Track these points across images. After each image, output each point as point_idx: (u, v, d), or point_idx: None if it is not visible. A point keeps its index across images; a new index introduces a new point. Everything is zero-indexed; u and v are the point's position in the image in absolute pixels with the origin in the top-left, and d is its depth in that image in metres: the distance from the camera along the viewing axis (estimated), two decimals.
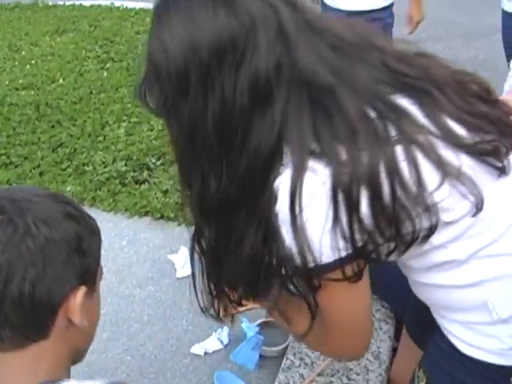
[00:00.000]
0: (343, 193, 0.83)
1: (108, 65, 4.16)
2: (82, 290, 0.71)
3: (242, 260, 0.96)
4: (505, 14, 2.64)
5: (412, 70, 0.95)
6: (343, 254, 0.87)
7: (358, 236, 0.86)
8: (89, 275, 0.75)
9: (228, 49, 0.84)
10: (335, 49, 0.90)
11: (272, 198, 0.88)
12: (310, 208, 0.84)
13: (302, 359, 1.67)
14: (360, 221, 0.85)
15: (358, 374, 1.62)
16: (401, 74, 0.94)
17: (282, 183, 0.86)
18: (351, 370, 1.64)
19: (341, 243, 0.86)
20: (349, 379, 1.61)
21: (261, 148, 0.86)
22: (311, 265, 0.88)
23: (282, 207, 0.86)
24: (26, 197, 0.71)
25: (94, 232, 0.77)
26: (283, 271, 0.93)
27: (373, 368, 1.63)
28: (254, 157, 0.87)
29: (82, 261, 0.72)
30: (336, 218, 0.84)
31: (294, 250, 0.87)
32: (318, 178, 0.84)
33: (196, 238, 1.02)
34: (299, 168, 0.84)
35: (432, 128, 0.91)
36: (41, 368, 0.69)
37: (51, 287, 0.68)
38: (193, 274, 1.08)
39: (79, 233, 0.72)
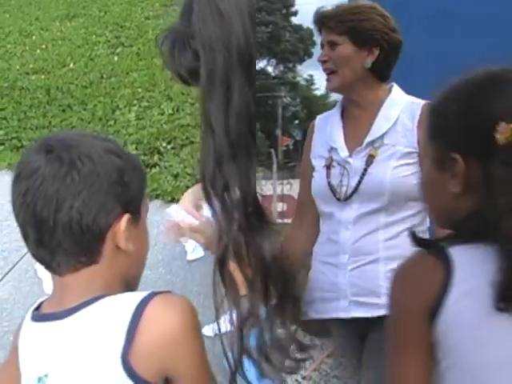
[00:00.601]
0: None
1: (118, 49, 4.16)
2: (126, 216, 0.78)
3: None
4: None
5: None
6: None
7: None
8: (132, 205, 0.81)
9: None
10: None
11: None
12: None
13: (311, 341, 1.68)
14: None
15: None
16: None
17: None
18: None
19: None
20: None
21: None
22: None
23: None
24: (72, 136, 0.81)
25: (136, 167, 0.84)
26: None
27: None
28: None
29: (125, 191, 0.79)
30: None
31: None
32: None
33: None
34: None
35: None
36: (94, 288, 0.77)
37: (96, 214, 0.75)
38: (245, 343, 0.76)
39: (121, 166, 0.79)
